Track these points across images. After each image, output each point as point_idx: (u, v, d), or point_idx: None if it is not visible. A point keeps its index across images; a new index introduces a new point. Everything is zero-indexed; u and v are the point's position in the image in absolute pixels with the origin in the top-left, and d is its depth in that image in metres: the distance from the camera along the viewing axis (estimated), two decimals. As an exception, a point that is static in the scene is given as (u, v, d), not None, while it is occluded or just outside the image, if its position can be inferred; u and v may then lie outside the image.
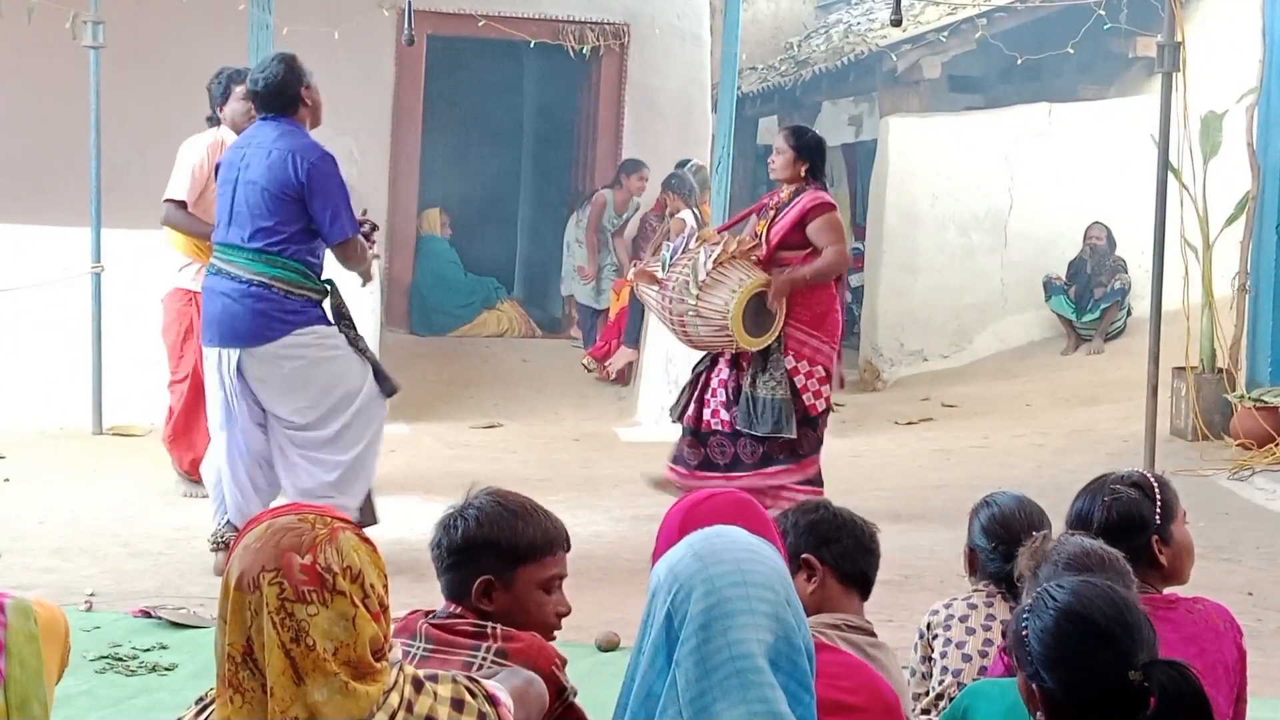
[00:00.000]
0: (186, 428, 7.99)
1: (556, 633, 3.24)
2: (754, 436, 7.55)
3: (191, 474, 7.80)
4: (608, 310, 13.11)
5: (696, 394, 7.77)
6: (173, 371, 8.10)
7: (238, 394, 6.50)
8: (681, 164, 12.97)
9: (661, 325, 8.12)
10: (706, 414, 7.72)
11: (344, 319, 6.66)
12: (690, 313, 7.48)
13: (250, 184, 6.45)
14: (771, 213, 7.72)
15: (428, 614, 3.17)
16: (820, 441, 7.72)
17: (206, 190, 7.69)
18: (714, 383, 7.69)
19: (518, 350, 13.09)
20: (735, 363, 7.66)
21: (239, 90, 7.75)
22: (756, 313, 7.45)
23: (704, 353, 7.90)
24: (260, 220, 6.44)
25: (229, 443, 6.53)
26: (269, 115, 6.59)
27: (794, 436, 7.52)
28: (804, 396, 7.57)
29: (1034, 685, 2.59)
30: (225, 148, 7.58)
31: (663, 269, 7.66)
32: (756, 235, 7.70)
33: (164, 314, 8.10)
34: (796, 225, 7.59)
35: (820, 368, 7.63)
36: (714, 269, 7.42)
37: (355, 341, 6.66)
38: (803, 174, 7.69)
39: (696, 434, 7.74)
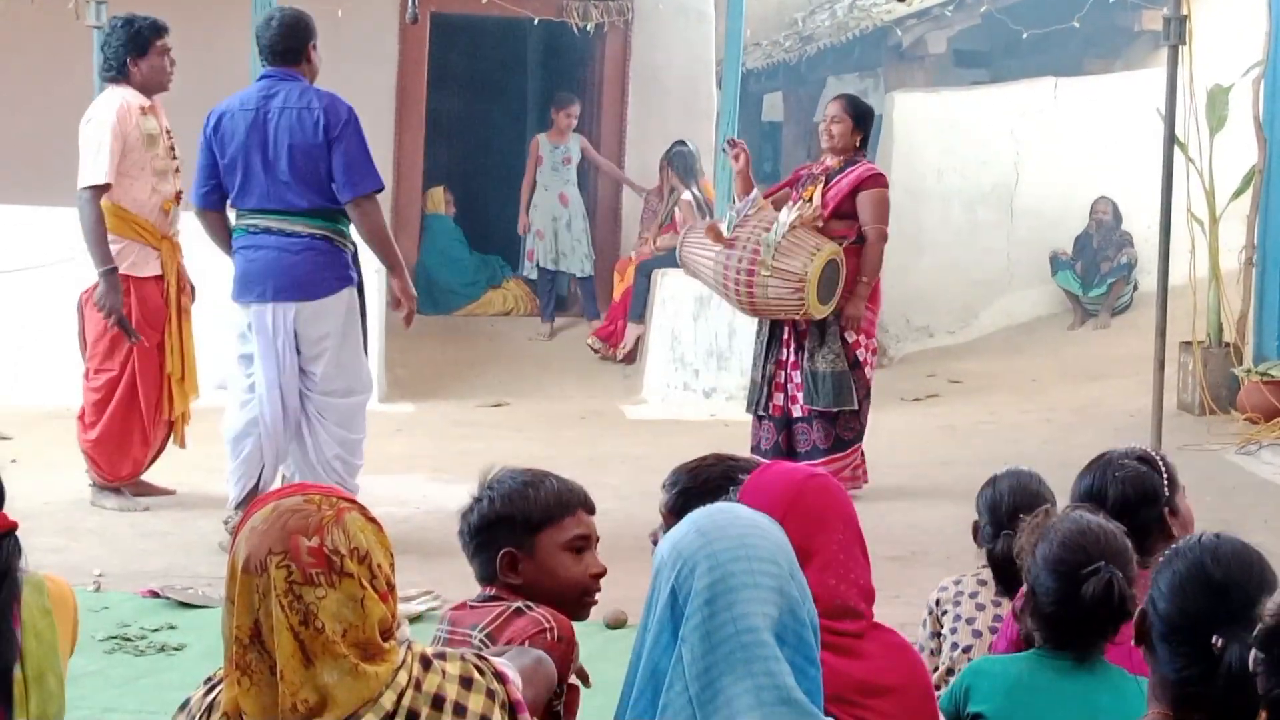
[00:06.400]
0: (121, 430, 7.21)
1: (597, 595, 3.27)
2: (825, 420, 7.61)
3: (130, 483, 7.32)
4: (575, 277, 13.07)
5: (771, 383, 7.77)
6: (100, 363, 7.19)
7: (289, 349, 6.47)
8: (677, 144, 12.93)
9: (715, 289, 8.03)
10: (785, 401, 7.74)
11: (360, 290, 6.72)
12: (764, 271, 7.48)
13: (294, 146, 6.40)
14: (822, 179, 7.73)
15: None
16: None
17: (123, 161, 7.05)
18: (787, 368, 7.72)
19: (524, 328, 13.08)
20: (798, 343, 7.67)
21: (159, 44, 7.18)
22: (826, 282, 7.53)
23: (759, 318, 7.89)
24: (314, 179, 6.43)
25: (272, 400, 6.48)
26: (281, 68, 6.54)
27: (855, 408, 7.64)
28: (865, 370, 7.73)
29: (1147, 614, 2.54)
30: (134, 112, 7.11)
31: (728, 229, 7.68)
32: (804, 201, 7.69)
33: (95, 305, 7.14)
34: (850, 194, 7.67)
35: (874, 340, 7.86)
36: (790, 232, 7.47)
37: (363, 317, 6.71)
38: (857, 143, 7.79)
39: (787, 422, 7.74)
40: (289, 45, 6.55)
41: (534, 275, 13.14)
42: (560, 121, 13.04)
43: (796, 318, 7.65)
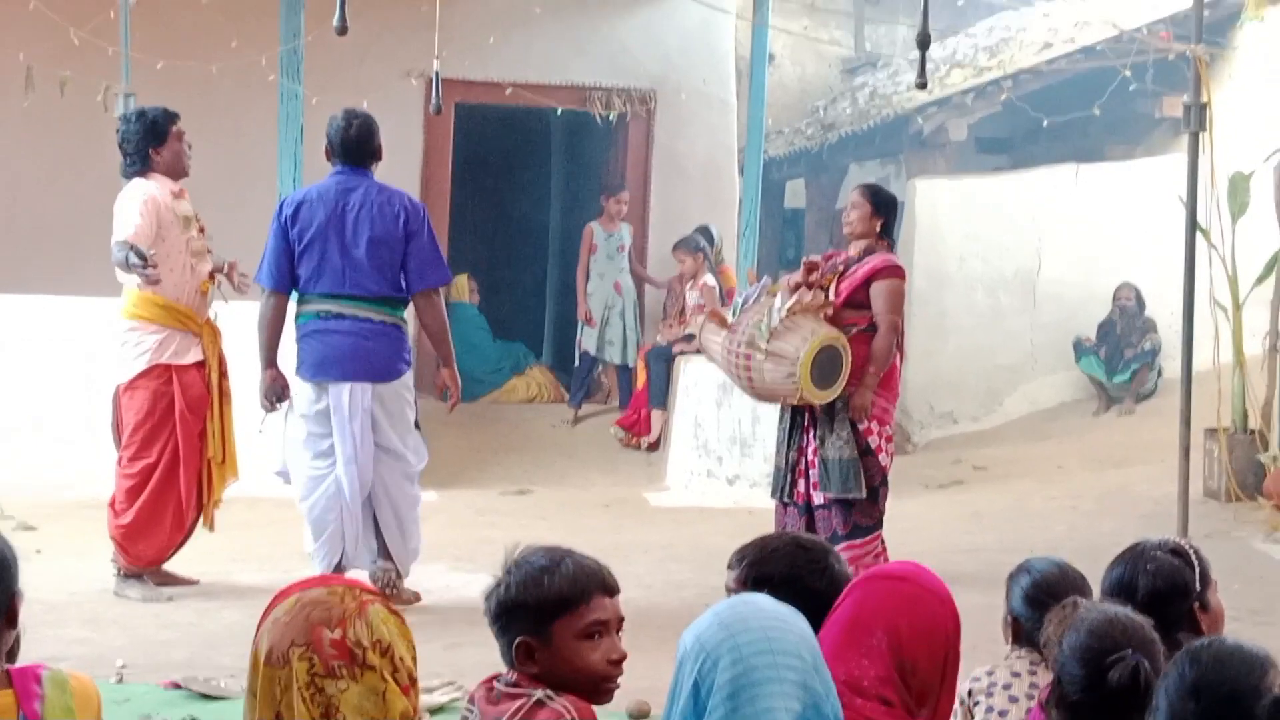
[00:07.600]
0: (152, 517, 7.25)
1: (619, 679, 3.15)
2: (842, 507, 7.60)
3: (154, 571, 7.35)
4: (614, 365, 12.99)
5: (794, 469, 7.76)
6: (137, 451, 7.26)
7: (366, 427, 6.95)
8: (699, 229, 12.99)
9: (725, 373, 8.16)
10: (807, 487, 7.72)
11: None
12: (759, 354, 7.50)
13: (374, 236, 6.96)
14: (840, 268, 7.76)
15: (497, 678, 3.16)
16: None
17: (162, 245, 7.15)
18: (809, 455, 7.70)
19: (547, 416, 13.06)
20: (818, 430, 7.66)
21: (175, 130, 7.35)
22: (823, 367, 7.50)
23: (770, 404, 7.91)
24: (389, 271, 7.00)
25: (350, 475, 6.94)
26: (356, 166, 7.08)
27: (862, 496, 7.60)
28: (879, 457, 7.69)
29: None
30: (166, 196, 7.26)
31: (733, 314, 7.80)
32: (805, 289, 7.70)
33: (135, 394, 7.27)
34: (864, 284, 7.65)
35: (889, 426, 7.80)
36: (787, 317, 7.49)
37: (415, 400, 7.29)
38: (877, 230, 7.77)
39: (809, 509, 7.72)
40: (370, 148, 7.15)
41: (577, 362, 13.12)
42: (611, 208, 13.07)
43: (794, 402, 7.64)
